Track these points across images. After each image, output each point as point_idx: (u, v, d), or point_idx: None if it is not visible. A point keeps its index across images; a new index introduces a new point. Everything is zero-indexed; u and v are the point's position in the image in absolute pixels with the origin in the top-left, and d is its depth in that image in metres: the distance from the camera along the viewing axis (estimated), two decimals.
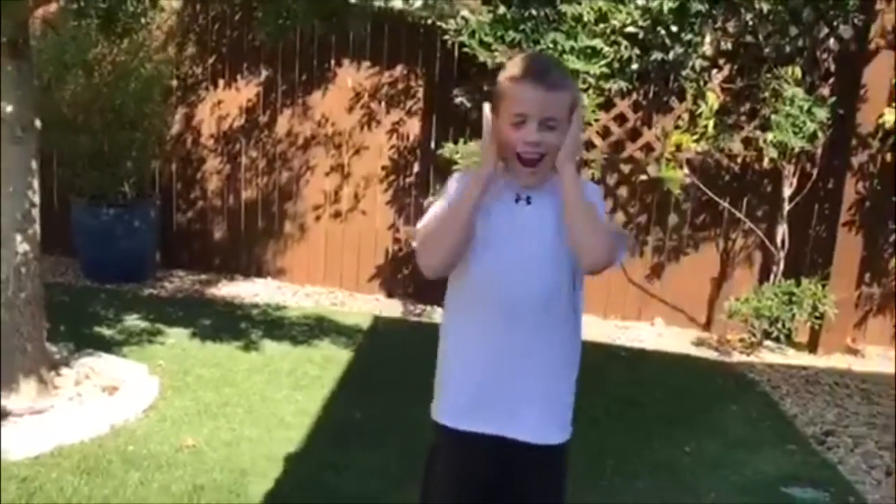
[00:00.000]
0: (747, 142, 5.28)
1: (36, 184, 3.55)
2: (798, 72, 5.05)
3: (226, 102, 5.92)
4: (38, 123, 3.52)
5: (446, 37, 5.14)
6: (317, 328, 5.06)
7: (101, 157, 5.48)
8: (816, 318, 5.19)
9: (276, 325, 5.06)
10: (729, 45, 5.12)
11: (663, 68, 5.20)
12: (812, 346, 5.45)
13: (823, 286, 5.20)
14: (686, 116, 5.27)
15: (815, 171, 5.38)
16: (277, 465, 3.37)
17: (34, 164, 3.53)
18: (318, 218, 5.99)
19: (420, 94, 5.76)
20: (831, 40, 5.14)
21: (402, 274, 5.96)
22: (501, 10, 5.00)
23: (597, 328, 5.54)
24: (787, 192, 5.35)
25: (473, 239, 1.94)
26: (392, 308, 5.76)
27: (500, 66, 4.71)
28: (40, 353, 3.67)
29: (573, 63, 4.89)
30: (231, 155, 6.01)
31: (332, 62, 5.78)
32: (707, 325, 5.74)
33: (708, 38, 5.10)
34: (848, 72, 5.21)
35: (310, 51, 5.74)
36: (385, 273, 5.99)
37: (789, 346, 5.45)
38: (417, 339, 4.73)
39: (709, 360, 5.24)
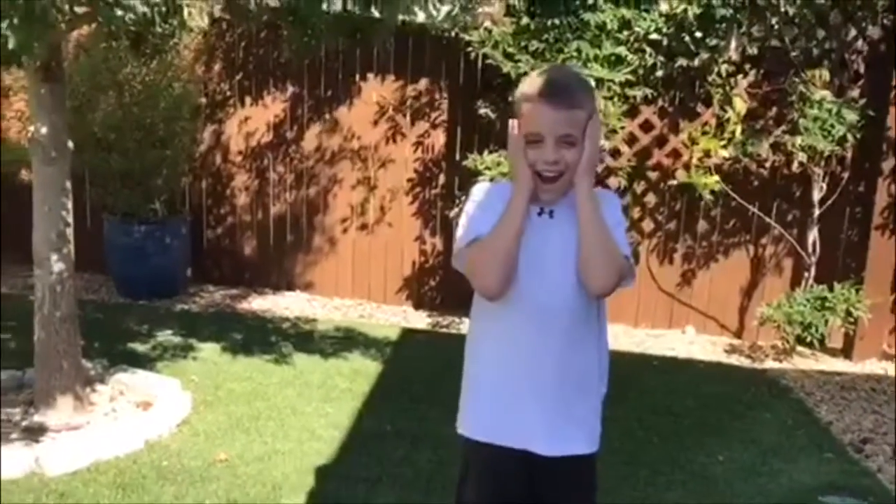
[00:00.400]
0: (776, 146, 5.23)
1: (69, 203, 3.61)
2: (826, 74, 4.99)
3: (253, 119, 5.99)
4: (70, 144, 3.59)
5: (469, 48, 5.18)
6: (346, 341, 5.09)
7: (132, 176, 5.56)
8: (850, 323, 5.12)
9: (305, 338, 5.09)
10: (755, 50, 5.08)
11: (689, 74, 5.18)
12: (846, 352, 5.38)
13: (857, 291, 5.12)
14: (713, 122, 5.23)
15: (845, 175, 5.31)
16: (310, 478, 3.39)
17: (68, 184, 3.59)
18: (345, 231, 6.03)
19: (444, 107, 5.78)
20: (860, 42, 5.08)
21: (428, 286, 5.97)
22: (524, 20, 5.02)
23: (627, 337, 5.52)
24: (817, 196, 5.29)
25: None
26: (419, 320, 5.77)
27: (523, 77, 4.76)
28: (76, 369, 3.72)
29: (597, 71, 4.89)
30: (259, 170, 6.08)
31: (357, 77, 5.82)
32: (739, 333, 5.69)
33: (733, 43, 5.07)
34: (878, 73, 5.15)
35: (335, 66, 5.79)
36: (412, 285, 6.01)
37: (823, 353, 5.37)
38: (446, 350, 4.72)
39: (741, 367, 5.18)
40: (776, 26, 5.03)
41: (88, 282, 5.92)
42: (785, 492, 3.52)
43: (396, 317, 5.81)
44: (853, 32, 5.05)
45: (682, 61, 5.09)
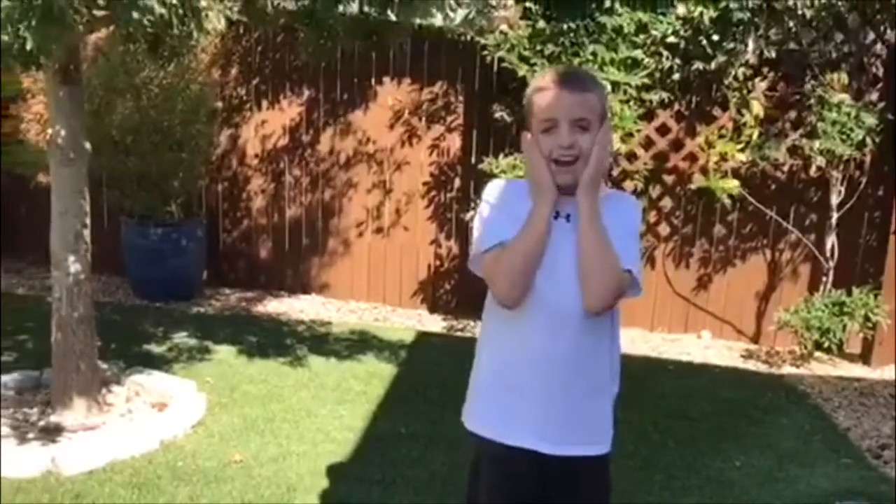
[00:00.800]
0: (793, 150, 5.19)
1: (87, 205, 3.64)
2: (844, 78, 4.96)
3: (269, 122, 6.02)
4: (88, 146, 3.62)
5: (485, 52, 5.18)
6: (361, 343, 5.09)
7: (149, 179, 5.60)
8: (869, 328, 5.07)
9: (320, 341, 5.10)
10: (772, 53, 5.05)
11: (705, 78, 5.16)
12: (865, 358, 5.32)
13: (876, 296, 5.07)
14: (730, 126, 5.20)
15: (864, 179, 5.26)
16: (324, 480, 3.39)
17: (85, 186, 3.62)
18: (360, 234, 6.04)
19: (460, 110, 5.79)
20: (878, 45, 5.04)
21: (444, 289, 5.97)
22: (540, 23, 5.01)
23: (643, 341, 5.49)
24: (835, 200, 5.24)
25: None
26: (434, 323, 5.77)
27: None
28: (92, 371, 3.75)
29: (614, 75, 4.88)
30: (275, 174, 6.10)
31: (373, 80, 5.84)
32: (756, 338, 5.64)
33: (750, 47, 5.04)
34: None
35: (351, 70, 5.81)
36: (427, 288, 6.01)
37: (841, 358, 5.32)
38: (460, 354, 4.70)
39: (758, 372, 5.14)
40: (794, 29, 5.01)
41: (105, 284, 5.96)
42: (802, 497, 3.48)
43: (411, 320, 5.81)
44: (872, 36, 5.01)
45: (698, 64, 5.07)
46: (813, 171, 5.21)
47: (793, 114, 5.21)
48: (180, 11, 2.52)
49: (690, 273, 5.68)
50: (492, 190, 2.05)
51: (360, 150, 5.94)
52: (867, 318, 5.01)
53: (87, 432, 3.58)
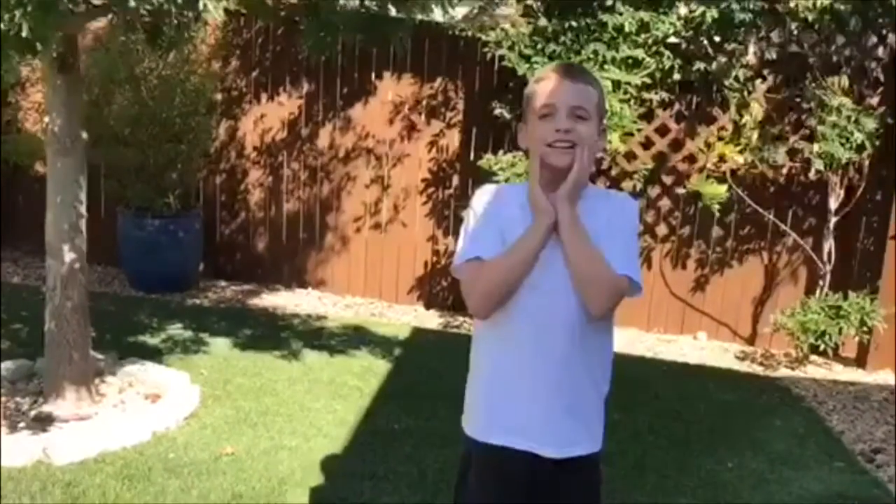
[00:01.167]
0: (792, 153, 5.18)
1: (83, 195, 3.62)
2: (845, 81, 4.95)
3: (268, 116, 6.00)
4: (84, 136, 3.60)
5: (486, 49, 5.17)
6: (356, 339, 5.08)
7: (146, 170, 5.59)
8: (865, 332, 5.06)
9: (316, 336, 5.09)
10: (773, 55, 5.04)
11: (706, 79, 5.15)
12: (860, 362, 5.32)
13: (872, 300, 5.07)
14: (730, 127, 5.20)
15: (862, 183, 5.25)
16: (316, 474, 3.38)
17: (82, 176, 3.61)
18: (358, 230, 6.03)
19: (460, 107, 5.78)
20: (880, 49, 5.03)
21: (440, 286, 5.96)
22: (542, 21, 5.00)
23: (639, 341, 5.48)
24: (833, 204, 5.24)
25: None
26: (430, 319, 5.76)
27: None
28: (86, 361, 3.74)
29: (614, 74, 4.88)
30: (273, 167, 6.09)
31: (373, 75, 5.83)
32: (751, 340, 5.64)
33: (752, 48, 5.03)
34: None
35: (351, 64, 5.80)
36: (424, 285, 6.00)
37: (836, 362, 5.32)
38: (455, 351, 4.69)
39: (753, 374, 5.14)
40: (795, 32, 4.99)
41: (101, 274, 5.95)
42: (794, 500, 3.48)
43: (407, 316, 5.80)
44: (873, 39, 5.00)
45: (699, 65, 5.06)
46: (812, 174, 5.20)
47: (793, 116, 5.20)
48: (179, 0, 2.51)
49: (687, 274, 5.67)
50: (479, 198, 2.03)
51: (358, 144, 5.93)
52: (863, 322, 5.00)
53: (79, 422, 3.57)
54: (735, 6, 4.86)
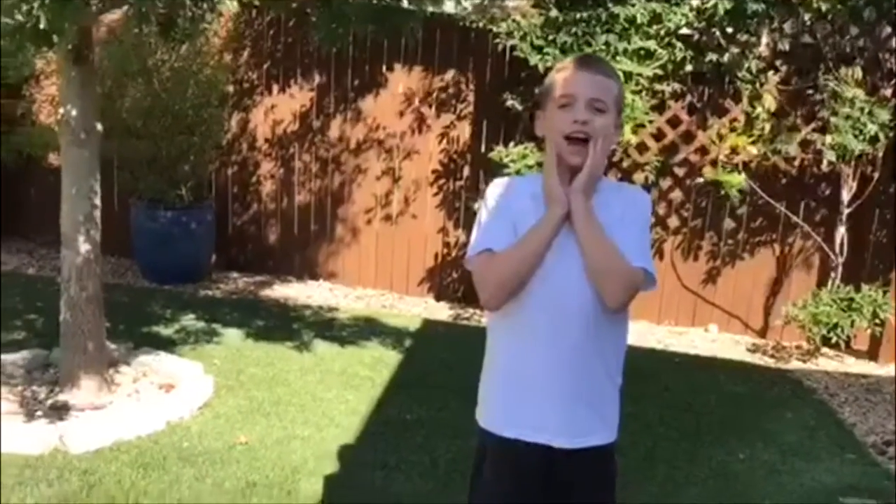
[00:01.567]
0: (805, 144, 5.17)
1: (97, 186, 3.65)
2: (859, 72, 4.92)
3: (280, 107, 6.02)
4: (99, 128, 3.63)
5: (497, 40, 5.16)
6: (367, 330, 5.10)
7: (159, 162, 5.62)
8: (877, 325, 5.05)
9: (327, 327, 5.12)
10: (786, 46, 5.02)
11: (718, 70, 5.13)
12: (872, 354, 5.31)
13: (885, 292, 5.05)
14: (742, 119, 5.18)
15: (875, 175, 5.23)
16: (328, 463, 3.41)
17: (96, 167, 3.63)
18: (369, 221, 6.05)
19: (471, 98, 5.78)
20: (894, 40, 5.00)
21: (451, 278, 5.97)
22: (553, 12, 4.99)
23: (650, 333, 5.48)
24: (846, 195, 5.22)
25: None
26: (441, 311, 5.78)
27: (550, 69, 4.74)
28: (100, 351, 3.77)
29: (626, 65, 4.86)
30: (285, 159, 6.11)
31: (384, 67, 5.83)
32: (763, 332, 5.63)
33: (764, 39, 5.01)
34: None
35: (362, 56, 5.80)
36: (434, 276, 6.02)
37: (848, 354, 5.31)
38: (466, 342, 4.73)
39: (765, 366, 5.13)
40: (808, 22, 4.97)
41: (114, 266, 5.99)
42: (806, 492, 3.48)
43: (418, 308, 5.82)
44: (887, 30, 4.97)
45: (711, 56, 5.04)
46: (824, 165, 5.18)
47: (805, 108, 5.18)
48: None
49: (699, 266, 5.67)
50: (491, 191, 2.04)
51: (369, 136, 5.94)
52: (875, 315, 4.99)
53: (94, 411, 3.61)
54: None
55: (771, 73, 5.11)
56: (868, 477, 3.66)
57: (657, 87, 5.07)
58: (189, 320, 4.99)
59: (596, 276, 1.89)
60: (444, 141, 5.85)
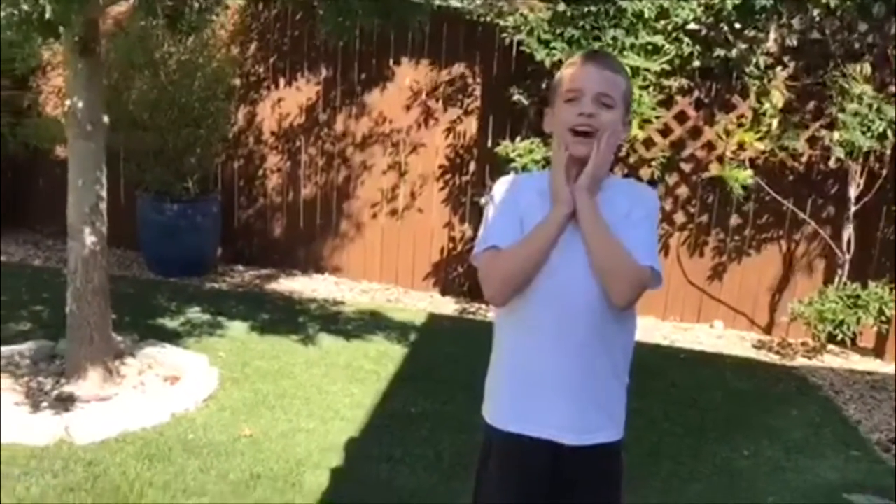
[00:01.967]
0: (813, 141, 5.15)
1: (104, 178, 3.66)
2: (867, 69, 4.90)
3: (286, 101, 6.02)
4: (105, 120, 3.63)
5: (504, 35, 5.15)
6: (372, 324, 5.11)
7: (165, 154, 5.62)
8: (883, 322, 5.03)
9: (332, 320, 5.12)
10: (794, 42, 4.99)
11: (726, 65, 5.11)
12: (878, 352, 5.29)
13: (891, 290, 5.04)
14: (749, 114, 5.16)
15: (883, 172, 5.21)
16: (332, 456, 3.41)
17: (102, 159, 3.64)
18: (374, 215, 6.05)
19: (477, 93, 5.77)
20: None
21: (456, 272, 5.97)
22: (560, 6, 4.98)
23: (655, 329, 5.48)
24: (853, 192, 5.20)
25: None
26: (446, 306, 5.78)
27: (558, 64, 4.73)
28: (106, 342, 3.78)
29: (633, 60, 4.85)
30: (291, 153, 6.11)
31: (391, 61, 5.82)
32: (769, 329, 5.62)
33: (772, 35, 4.99)
34: None
35: (369, 50, 5.80)
36: (440, 271, 6.02)
37: (854, 351, 5.30)
38: (471, 336, 4.74)
39: (770, 363, 5.12)
40: (817, 18, 4.94)
41: (120, 258, 6.01)
42: (810, 488, 3.48)
43: (423, 302, 5.82)
44: None
45: (719, 52, 5.03)
46: (832, 162, 5.16)
47: (813, 104, 5.16)
48: None
49: (705, 262, 5.65)
50: (498, 189, 2.04)
51: (376, 130, 5.93)
52: (882, 312, 4.98)
53: (100, 403, 3.62)
54: None
55: (779, 68, 5.09)
56: (873, 474, 3.65)
57: (664, 82, 5.05)
58: (195, 313, 5.00)
59: (602, 274, 1.88)
60: (451, 135, 5.85)
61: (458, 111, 5.80)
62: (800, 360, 5.17)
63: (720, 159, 5.22)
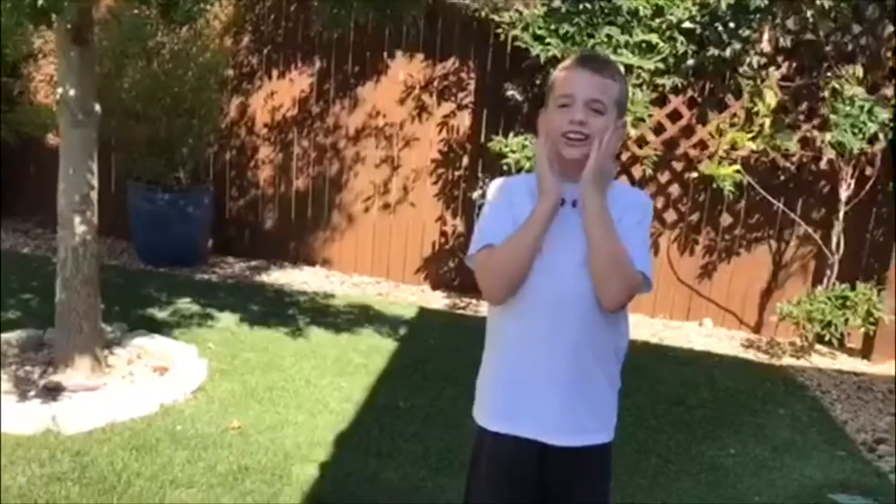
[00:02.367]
0: (804, 142, 5.17)
1: (95, 167, 3.64)
2: (860, 71, 4.92)
3: (279, 93, 6.00)
4: (98, 109, 3.61)
5: (499, 30, 5.15)
6: (363, 317, 5.10)
7: (157, 144, 5.59)
8: (871, 323, 5.06)
9: (322, 313, 5.12)
10: (788, 43, 5.01)
11: (720, 65, 5.12)
12: (866, 353, 5.32)
13: (879, 291, 5.07)
14: (742, 114, 5.17)
15: (874, 174, 5.23)
16: (320, 449, 3.41)
17: (94, 148, 3.62)
18: (366, 209, 6.04)
19: (471, 88, 5.76)
20: None
21: (447, 266, 5.97)
22: (556, 3, 4.98)
23: (644, 327, 5.49)
24: (844, 194, 5.21)
25: None
26: (437, 300, 5.78)
27: (552, 60, 4.73)
28: (95, 332, 3.77)
29: (628, 58, 4.86)
30: (283, 144, 6.09)
31: (385, 54, 5.81)
32: (757, 328, 5.65)
33: (766, 35, 5.00)
34: None
35: (363, 43, 5.78)
36: (431, 265, 6.01)
37: (841, 352, 5.33)
38: (461, 331, 4.75)
39: (758, 362, 5.14)
40: (811, 19, 4.95)
41: (111, 247, 5.99)
42: (795, 488, 3.50)
43: (414, 296, 5.82)
44: (890, 28, 4.96)
45: (713, 51, 5.03)
46: (823, 163, 5.18)
47: (806, 105, 5.18)
48: None
49: (695, 261, 5.67)
50: (494, 190, 2.06)
51: (369, 124, 5.92)
52: (870, 314, 5.00)
53: (88, 393, 3.61)
54: None
55: (772, 69, 5.10)
56: (858, 474, 3.67)
57: (658, 80, 5.06)
58: (184, 303, 4.99)
59: (600, 275, 1.89)
60: (444, 130, 5.84)
61: (452, 105, 5.79)
62: (788, 360, 5.19)
63: (711, 158, 5.23)
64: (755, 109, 5.07)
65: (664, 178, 5.56)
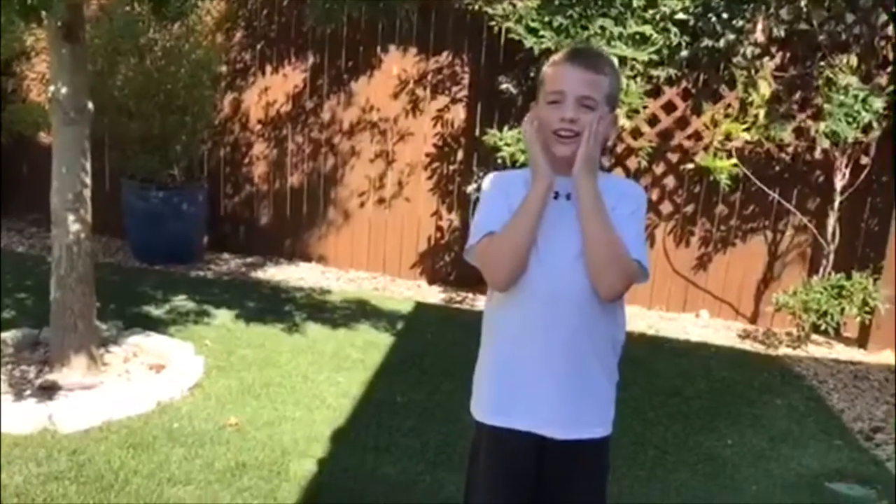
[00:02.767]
0: (799, 132, 5.17)
1: (88, 165, 3.63)
2: (854, 60, 4.91)
3: (273, 88, 5.98)
4: (90, 106, 3.60)
5: (493, 23, 5.13)
6: (359, 312, 5.10)
7: (151, 141, 5.58)
8: (867, 312, 5.07)
9: (319, 309, 5.11)
10: (782, 33, 5.00)
11: (714, 56, 5.12)
12: (862, 342, 5.33)
13: (875, 280, 5.07)
14: (736, 105, 5.17)
15: (868, 163, 5.23)
16: (318, 445, 3.41)
17: (87, 146, 3.61)
18: (362, 204, 6.03)
19: (465, 81, 5.74)
20: (890, 27, 4.98)
21: (443, 261, 5.97)
22: None
23: (641, 318, 5.49)
24: (839, 183, 5.21)
25: None
26: (433, 294, 5.78)
27: (546, 52, 4.72)
28: (90, 330, 3.76)
29: (621, 49, 4.84)
30: (278, 140, 6.08)
31: (379, 49, 5.79)
32: (754, 318, 5.65)
33: (760, 25, 4.99)
34: None
35: (357, 38, 5.76)
36: (427, 260, 6.01)
37: (838, 341, 5.33)
38: (458, 325, 4.75)
39: (755, 353, 5.15)
40: (805, 8, 4.94)
41: (105, 245, 5.97)
42: (792, 477, 3.51)
43: (410, 291, 5.82)
44: (883, 17, 4.95)
45: (707, 42, 5.02)
46: (818, 153, 5.18)
47: (800, 95, 5.17)
48: None
49: (690, 252, 5.67)
50: (489, 183, 2.06)
51: (363, 119, 5.91)
52: (865, 303, 5.01)
53: (84, 391, 3.60)
54: None
55: (766, 59, 5.09)
56: (855, 463, 3.68)
57: (652, 72, 5.05)
58: (180, 301, 4.98)
59: (596, 265, 1.89)
60: (439, 124, 5.83)
61: (447, 99, 5.78)
62: (784, 350, 5.20)
63: (706, 149, 5.22)
64: (749, 100, 5.06)
65: (659, 169, 5.55)
